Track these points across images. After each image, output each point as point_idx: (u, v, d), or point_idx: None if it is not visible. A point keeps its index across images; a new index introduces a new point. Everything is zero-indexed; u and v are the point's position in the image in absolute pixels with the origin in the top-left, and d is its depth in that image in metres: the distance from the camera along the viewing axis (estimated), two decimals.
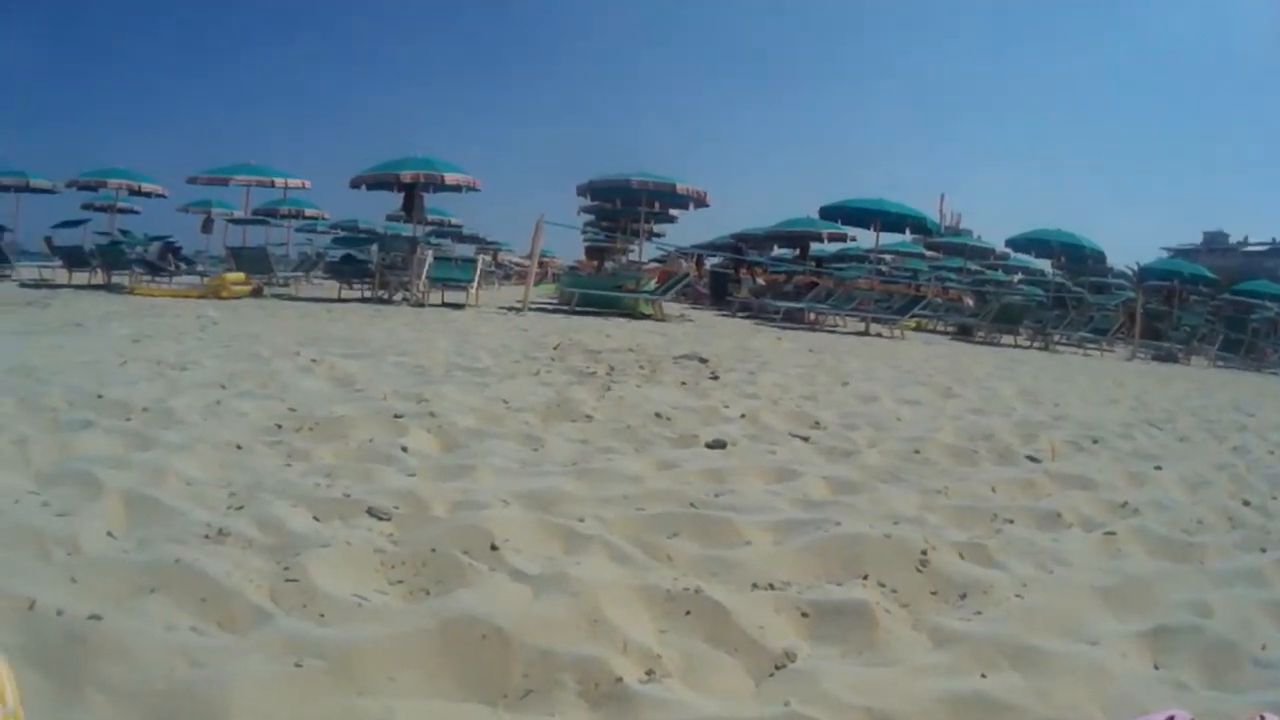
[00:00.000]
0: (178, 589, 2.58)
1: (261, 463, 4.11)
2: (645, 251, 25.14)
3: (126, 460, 3.98)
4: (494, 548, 3.05)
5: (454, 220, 30.18)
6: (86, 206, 28.11)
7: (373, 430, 4.86)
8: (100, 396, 5.44)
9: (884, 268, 27.75)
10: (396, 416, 5.18)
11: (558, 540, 3.25)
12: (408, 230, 21.42)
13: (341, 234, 25.84)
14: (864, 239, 26.39)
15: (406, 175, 18.54)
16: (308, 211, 27.59)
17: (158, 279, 20.28)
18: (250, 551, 2.94)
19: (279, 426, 4.83)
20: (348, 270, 19.60)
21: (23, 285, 21.43)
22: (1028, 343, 20.40)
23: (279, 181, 22.34)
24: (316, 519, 3.31)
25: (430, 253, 18.61)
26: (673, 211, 25.26)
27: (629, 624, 2.53)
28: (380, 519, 3.34)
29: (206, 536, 3.02)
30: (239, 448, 4.33)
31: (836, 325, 20.24)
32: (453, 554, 2.93)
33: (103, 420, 4.84)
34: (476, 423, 5.28)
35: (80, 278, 22.06)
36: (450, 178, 18.90)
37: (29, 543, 2.85)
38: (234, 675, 2.13)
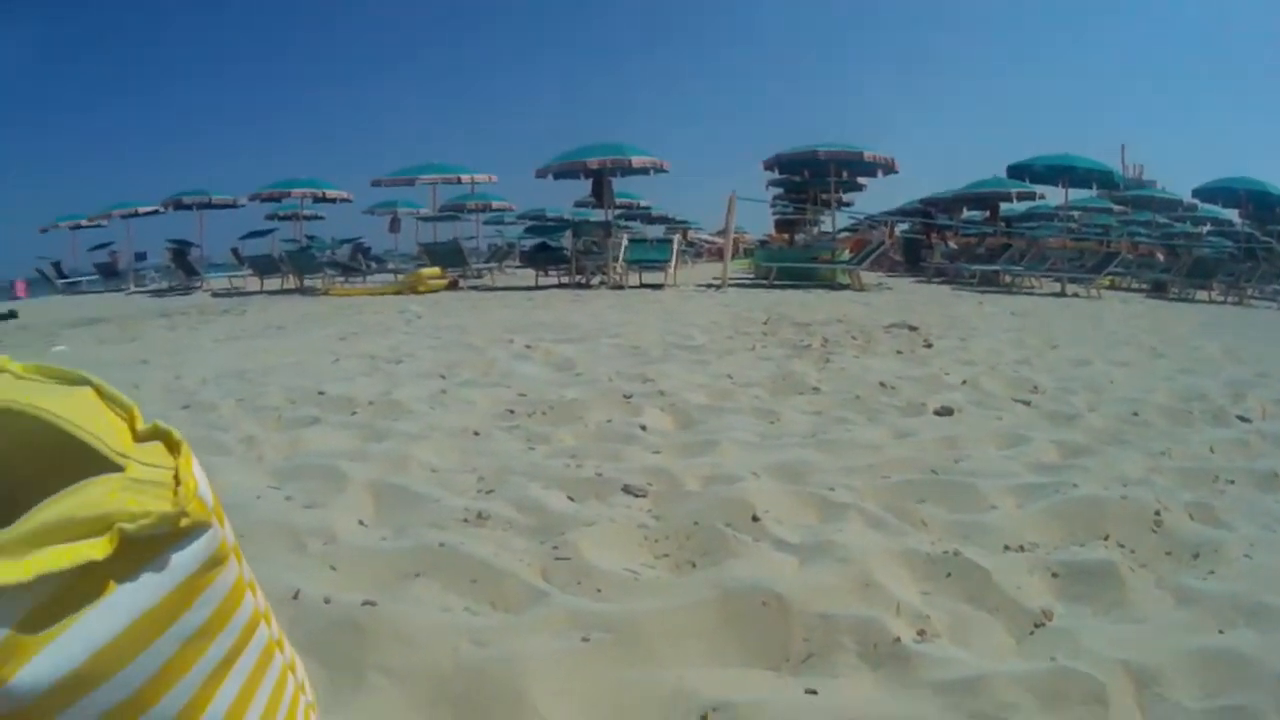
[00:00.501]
0: (445, 572, 2.69)
1: (503, 447, 4.25)
2: (837, 221, 24.89)
3: (364, 452, 4.18)
4: (755, 519, 3.13)
5: (642, 202, 30.54)
6: (270, 217, 29.90)
7: (607, 411, 4.97)
8: (322, 393, 5.73)
9: (1073, 225, 26.76)
10: (626, 397, 5.28)
11: (813, 509, 3.35)
12: (595, 216, 21.73)
13: (531, 223, 26.40)
14: (1051, 196, 26.04)
15: (594, 162, 19.06)
16: (495, 204, 28.32)
17: (351, 280, 21.26)
18: (513, 533, 3.05)
19: (511, 412, 4.99)
20: (543, 258, 20.08)
21: (214, 295, 22.94)
22: (1221, 298, 19.30)
23: (465, 178, 23.03)
24: (572, 499, 3.41)
25: (625, 235, 18.82)
26: (861, 180, 24.88)
27: (896, 586, 2.62)
28: (637, 496, 3.42)
29: (466, 520, 3.14)
30: (476, 434, 4.48)
31: (1033, 287, 19.59)
32: (716, 526, 3.02)
33: (329, 416, 5.08)
34: (707, 399, 5.38)
35: (271, 284, 23.43)
36: (637, 161, 19.24)
37: (281, 535, 3.01)
38: (522, 652, 2.20)
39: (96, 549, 1.08)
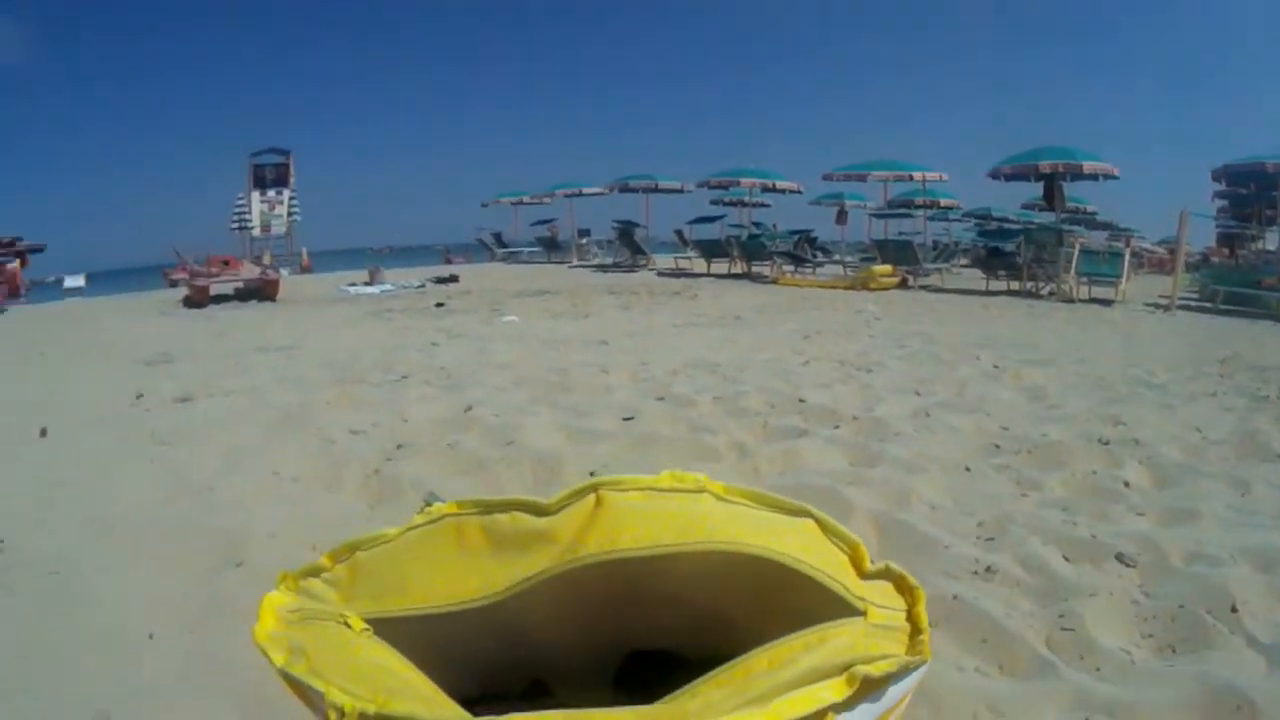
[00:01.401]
0: (959, 626, 2.72)
1: (996, 489, 4.19)
2: None
3: (861, 476, 4.22)
4: (1233, 610, 2.92)
5: (1089, 208, 29.17)
6: (715, 203, 30.85)
7: (1089, 459, 4.73)
8: (803, 401, 5.83)
9: None
10: (1103, 443, 5.01)
11: None
12: (1039, 218, 21.19)
13: (977, 222, 25.90)
14: None
15: (1045, 165, 18.52)
16: (942, 201, 27.91)
17: (800, 269, 21.58)
18: (1019, 592, 3.02)
19: (997, 447, 4.88)
20: (995, 262, 19.60)
21: (660, 274, 23.88)
22: None
23: (916, 175, 22.83)
24: (1067, 559, 3.33)
25: (1078, 245, 18.10)
26: None
27: None
28: (1128, 565, 3.30)
29: (975, 573, 3.14)
30: (968, 470, 4.44)
31: None
32: (1197, 612, 2.86)
33: (815, 428, 5.17)
34: (1181, 455, 4.94)
35: (718, 267, 24.17)
36: (1089, 166, 18.44)
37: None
38: None
39: (835, 691, 1.20)
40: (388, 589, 1.60)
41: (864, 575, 1.48)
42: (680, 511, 1.43)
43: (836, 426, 5.22)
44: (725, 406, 5.77)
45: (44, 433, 6.07)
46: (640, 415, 5.62)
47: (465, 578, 1.52)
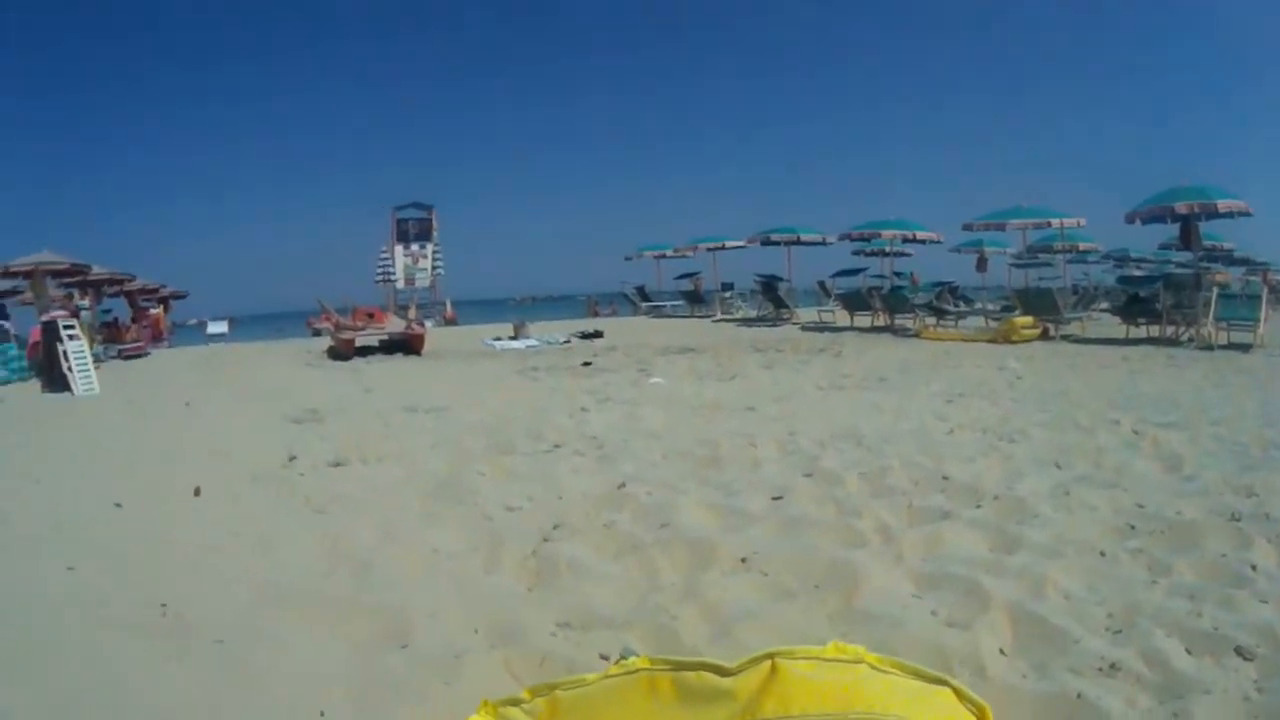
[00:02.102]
0: None
1: (1128, 574, 4.22)
2: None
3: (1000, 565, 4.29)
4: None
5: (1225, 244, 28.45)
6: (857, 253, 31.01)
7: (1220, 540, 4.64)
8: (946, 478, 5.90)
9: None
10: (1234, 519, 4.93)
11: None
12: (1177, 257, 21.01)
13: (1116, 264, 25.54)
14: None
15: (1181, 207, 18.45)
16: (1081, 245, 27.60)
17: (943, 322, 21.65)
18: (1140, 688, 3.09)
19: (1132, 528, 4.86)
20: (1135, 310, 19.39)
21: (803, 329, 24.12)
22: None
23: (1054, 222, 22.70)
24: (1189, 652, 3.36)
25: (1215, 290, 17.80)
26: None
27: None
28: (1245, 659, 3.30)
29: (1100, 670, 3.22)
30: (1102, 554, 4.48)
31: None
32: None
33: (958, 508, 5.24)
34: None
35: (860, 320, 24.33)
36: (1223, 205, 18.28)
37: (931, 657, 3.19)
38: None
39: None
40: None
41: None
42: (841, 682, 1.65)
43: (978, 506, 5.29)
44: (871, 484, 5.85)
45: (198, 492, 6.24)
46: (789, 493, 5.72)
47: None
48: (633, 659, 1.88)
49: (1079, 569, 4.27)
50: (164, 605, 4.11)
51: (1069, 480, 5.90)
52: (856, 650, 1.74)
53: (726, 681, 1.68)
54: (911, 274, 31.91)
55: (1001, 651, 3.42)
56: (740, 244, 33.36)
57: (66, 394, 14.69)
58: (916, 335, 20.61)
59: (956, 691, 1.67)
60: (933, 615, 3.74)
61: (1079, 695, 2.99)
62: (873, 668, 1.69)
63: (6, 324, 22.15)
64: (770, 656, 1.70)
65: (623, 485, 6.08)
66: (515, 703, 1.95)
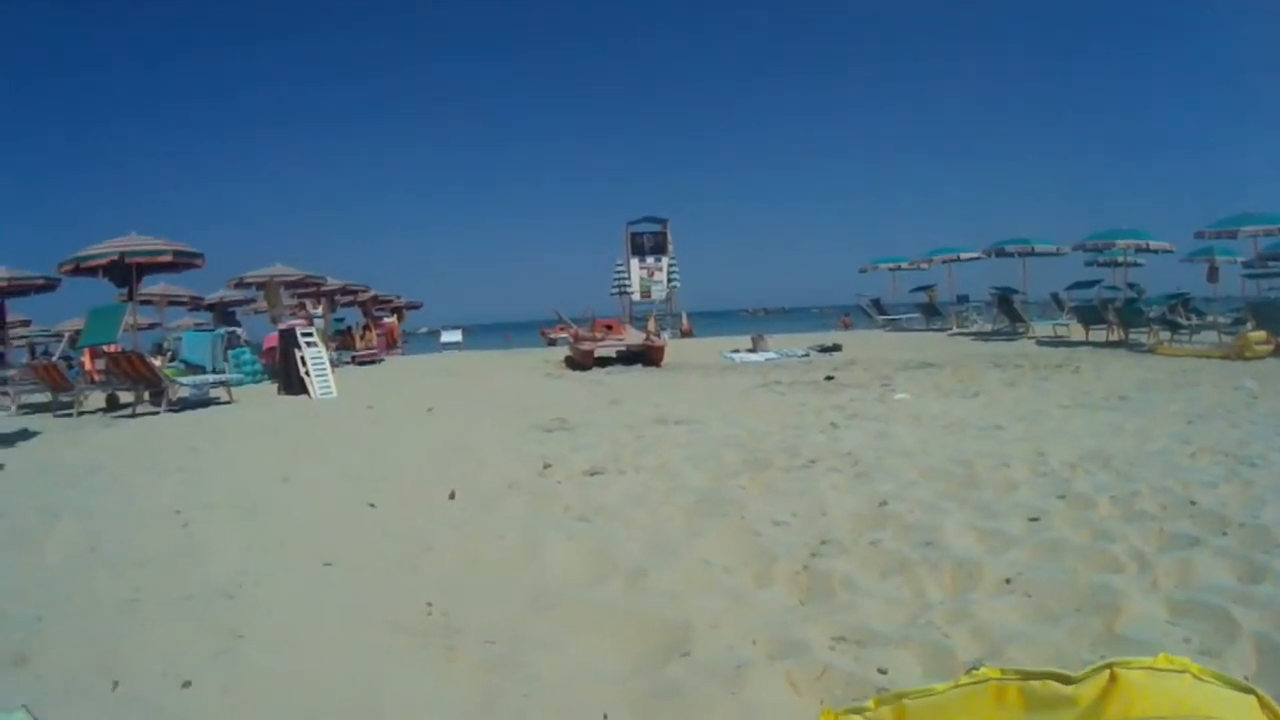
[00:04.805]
0: None
1: None
2: None
3: (1245, 595, 4.08)
4: None
5: None
6: (1090, 264, 29.92)
7: None
8: (1194, 503, 5.66)
9: None
10: None
11: None
12: None
13: None
14: None
15: None
16: None
17: (1176, 337, 20.78)
18: None
19: None
20: None
21: (1039, 343, 23.37)
22: None
23: None
24: None
25: None
26: None
27: None
28: None
29: None
30: None
31: None
32: None
33: (1206, 535, 5.02)
34: None
35: (1095, 334, 23.35)
36: None
37: None
38: None
39: None
40: None
41: None
42: (1171, 689, 1.70)
43: (1224, 534, 5.10)
44: (1122, 508, 5.71)
45: (453, 495, 6.39)
46: (1045, 516, 5.61)
47: None
48: (983, 669, 1.93)
49: None
50: (429, 604, 4.21)
51: None
52: (1183, 661, 1.77)
53: (1069, 689, 1.76)
54: (1138, 290, 30.66)
55: (1245, 679, 3.35)
56: (975, 255, 32.63)
57: (304, 396, 15.20)
58: (1151, 351, 19.80)
59: (1261, 700, 1.69)
60: (1185, 643, 3.67)
61: None
62: (1195, 677, 1.73)
63: (240, 330, 23.84)
64: (1109, 666, 1.76)
65: (884, 504, 6.01)
66: (859, 711, 1.99)
